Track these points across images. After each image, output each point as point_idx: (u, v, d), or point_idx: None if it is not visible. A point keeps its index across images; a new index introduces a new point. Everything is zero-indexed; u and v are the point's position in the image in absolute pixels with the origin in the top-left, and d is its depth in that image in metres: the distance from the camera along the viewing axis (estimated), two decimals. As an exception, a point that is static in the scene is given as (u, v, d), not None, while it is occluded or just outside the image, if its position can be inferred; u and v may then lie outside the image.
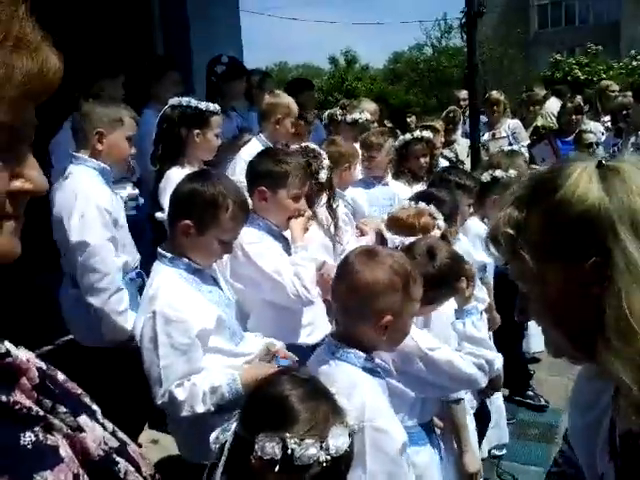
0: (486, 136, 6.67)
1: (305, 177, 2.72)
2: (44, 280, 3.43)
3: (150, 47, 6.02)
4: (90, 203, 2.81)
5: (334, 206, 3.32)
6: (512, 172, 3.82)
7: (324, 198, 3.22)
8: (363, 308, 1.81)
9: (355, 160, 3.97)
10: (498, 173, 3.81)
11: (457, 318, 2.33)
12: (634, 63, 24.92)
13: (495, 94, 6.98)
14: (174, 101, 3.38)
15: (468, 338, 2.26)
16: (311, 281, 2.55)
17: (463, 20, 5.99)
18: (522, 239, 1.05)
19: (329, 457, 1.31)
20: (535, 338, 4.45)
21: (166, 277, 2.15)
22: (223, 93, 4.69)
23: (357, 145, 4.38)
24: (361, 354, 1.83)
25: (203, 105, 3.37)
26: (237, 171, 3.86)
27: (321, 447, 1.30)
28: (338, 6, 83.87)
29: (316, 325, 2.69)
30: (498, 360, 3.03)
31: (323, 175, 3.14)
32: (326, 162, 3.24)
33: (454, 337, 2.33)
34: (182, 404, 2.02)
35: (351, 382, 1.77)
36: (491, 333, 3.63)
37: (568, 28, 37.60)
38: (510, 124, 6.75)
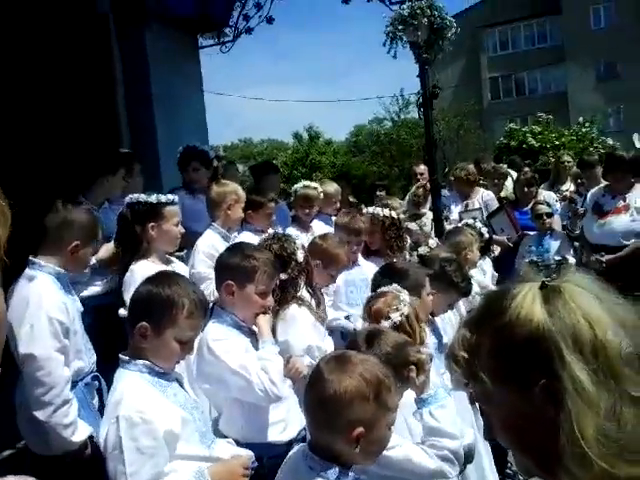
0: (459, 207, 6.78)
1: (274, 273, 2.72)
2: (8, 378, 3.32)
3: (116, 140, 6.07)
4: (40, 312, 2.75)
5: (313, 284, 3.36)
6: (432, 242, 3.92)
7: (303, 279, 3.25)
8: (333, 420, 1.74)
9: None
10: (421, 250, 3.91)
11: (418, 408, 2.25)
12: (583, 130, 26.17)
13: (457, 171, 7.08)
14: (128, 199, 3.44)
15: (427, 429, 2.20)
16: (279, 376, 2.51)
17: (419, 100, 6.29)
18: (477, 361, 1.06)
19: None
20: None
21: (129, 381, 2.10)
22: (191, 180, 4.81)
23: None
24: (336, 470, 1.75)
25: (153, 198, 3.39)
26: (195, 262, 3.91)
27: None
28: (301, 84, 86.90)
29: (289, 421, 2.62)
30: (468, 436, 3.04)
31: (300, 255, 3.18)
32: (299, 242, 3.29)
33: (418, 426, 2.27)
34: None
35: None
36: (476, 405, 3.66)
37: (519, 99, 39.47)
38: (484, 195, 6.76)
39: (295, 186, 5.27)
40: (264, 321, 2.66)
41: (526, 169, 7.58)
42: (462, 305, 4.07)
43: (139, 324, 2.11)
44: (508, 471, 4.30)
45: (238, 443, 2.38)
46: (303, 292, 3.27)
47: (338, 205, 5.60)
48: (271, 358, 2.53)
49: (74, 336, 2.91)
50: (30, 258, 2.90)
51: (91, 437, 2.80)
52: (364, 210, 4.80)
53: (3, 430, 3.27)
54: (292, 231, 4.21)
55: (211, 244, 3.95)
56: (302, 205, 5.09)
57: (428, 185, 7.02)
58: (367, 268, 4.40)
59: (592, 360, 0.96)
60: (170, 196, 3.49)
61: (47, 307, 2.78)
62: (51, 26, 5.62)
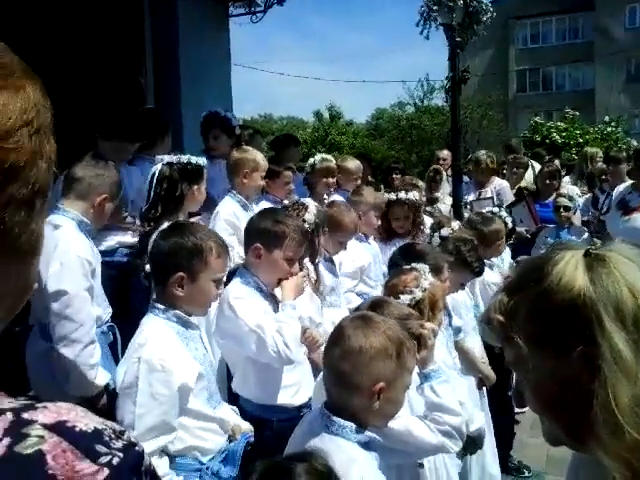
0: (472, 196, 6.75)
1: (302, 241, 2.73)
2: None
3: (141, 102, 6.08)
4: (70, 252, 2.79)
5: (316, 261, 3.37)
6: (455, 225, 3.92)
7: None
8: (355, 374, 1.77)
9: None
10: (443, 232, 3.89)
11: (420, 383, 2.26)
12: (608, 129, 25.85)
13: (480, 154, 7.02)
14: (170, 159, 3.38)
15: (428, 404, 2.21)
16: (294, 339, 2.53)
17: (448, 85, 6.24)
18: (513, 325, 1.06)
19: None
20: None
21: (156, 327, 2.15)
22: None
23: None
24: (355, 427, 1.78)
25: (201, 161, 3.42)
26: (216, 229, 3.90)
27: None
28: (323, 63, 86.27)
29: (302, 385, 2.65)
30: (478, 419, 3.04)
31: (306, 225, 3.17)
32: (311, 211, 3.29)
33: (420, 401, 2.28)
34: None
35: (348, 458, 1.72)
36: (483, 390, 3.68)
37: (545, 93, 38.98)
38: (496, 184, 6.75)
39: (312, 159, 5.12)
40: (289, 285, 2.68)
41: (556, 161, 7.49)
42: (477, 287, 4.09)
43: (175, 275, 2.15)
44: (511, 464, 4.33)
45: (250, 403, 2.40)
46: (307, 264, 3.25)
47: (358, 182, 5.55)
48: (288, 321, 2.54)
49: (96, 281, 2.95)
50: (58, 203, 2.94)
51: (106, 387, 2.83)
52: (394, 195, 4.67)
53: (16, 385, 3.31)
54: (308, 201, 4.23)
55: (232, 212, 3.94)
56: (322, 178, 5.00)
57: (442, 170, 6.99)
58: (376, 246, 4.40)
59: (633, 330, 0.95)
60: (204, 159, 3.53)
61: (76, 247, 2.83)
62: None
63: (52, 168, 0.71)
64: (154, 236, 3.14)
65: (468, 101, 25.54)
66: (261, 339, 2.47)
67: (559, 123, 26.01)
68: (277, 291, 2.74)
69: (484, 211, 4.86)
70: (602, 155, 7.84)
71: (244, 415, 2.48)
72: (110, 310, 3.13)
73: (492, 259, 4.38)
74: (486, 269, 4.11)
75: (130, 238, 3.72)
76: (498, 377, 3.88)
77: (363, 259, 4.15)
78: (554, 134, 24.19)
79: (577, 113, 26.83)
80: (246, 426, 2.35)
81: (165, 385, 2.03)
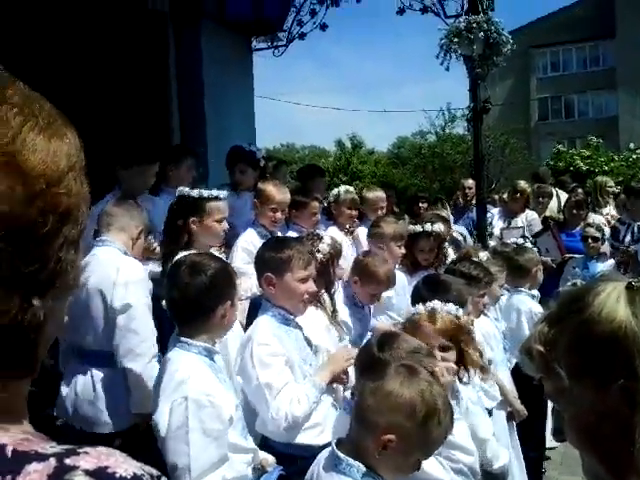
0: (501, 224, 6.69)
1: (310, 259, 2.74)
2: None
3: (166, 134, 6.19)
4: (134, 273, 2.98)
5: (332, 291, 3.35)
6: (483, 255, 3.88)
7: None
8: (374, 414, 1.73)
9: None
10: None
11: None
12: (634, 156, 25.57)
13: (522, 184, 6.99)
14: (178, 191, 3.51)
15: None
16: (298, 420, 2.48)
17: (469, 115, 6.25)
18: (553, 356, 1.05)
19: None
20: (547, 433, 4.35)
21: (190, 363, 2.15)
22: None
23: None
24: (363, 469, 1.72)
25: (195, 193, 3.43)
26: (234, 257, 3.95)
27: None
28: (345, 93, 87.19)
29: (326, 425, 2.57)
30: (503, 457, 2.97)
31: (318, 255, 3.16)
32: (326, 242, 3.29)
33: None
34: None
35: None
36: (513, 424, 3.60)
37: (568, 121, 38.83)
38: (528, 215, 6.68)
39: (337, 190, 5.16)
40: (331, 367, 2.67)
41: (579, 190, 7.42)
42: (523, 317, 4.14)
43: (223, 306, 2.23)
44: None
45: (275, 443, 2.38)
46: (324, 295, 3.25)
47: (380, 213, 5.55)
48: (303, 400, 2.49)
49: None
50: (98, 238, 3.11)
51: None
52: (420, 227, 4.59)
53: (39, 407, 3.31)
54: (333, 231, 4.23)
55: (250, 241, 3.97)
56: (345, 209, 5.03)
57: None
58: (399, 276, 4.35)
59: None
60: (215, 192, 3.50)
61: (137, 269, 3.04)
62: (112, 22, 5.78)
63: (89, 208, 0.75)
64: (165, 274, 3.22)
65: (490, 130, 25.53)
66: (265, 399, 2.45)
67: (582, 150, 25.84)
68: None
69: (508, 242, 4.83)
70: (612, 184, 7.73)
71: (268, 449, 2.46)
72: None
73: (533, 290, 4.34)
74: (530, 299, 4.13)
75: (157, 267, 3.77)
76: (529, 412, 3.81)
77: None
78: (578, 161, 24.02)
79: (601, 140, 26.64)
80: (272, 459, 2.35)
81: (217, 420, 2.05)
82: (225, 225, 3.52)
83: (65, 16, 5.39)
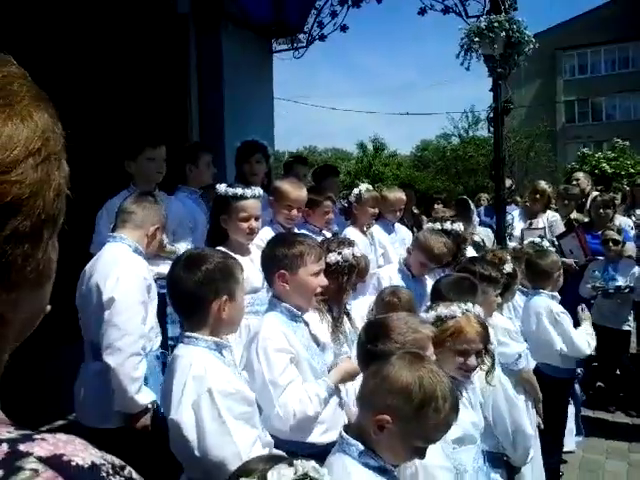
0: (522, 224, 6.63)
1: (320, 253, 2.73)
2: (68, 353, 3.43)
3: (185, 135, 6.24)
4: (128, 269, 2.94)
5: (343, 300, 3.26)
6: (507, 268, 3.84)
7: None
8: (372, 395, 1.80)
9: None
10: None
11: None
12: (661, 159, 25.10)
13: (542, 184, 6.95)
14: (216, 189, 3.57)
15: None
16: (306, 420, 2.47)
17: (490, 115, 6.18)
18: None
19: None
20: (565, 437, 4.29)
21: (203, 357, 2.14)
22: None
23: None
24: (361, 447, 1.78)
25: (223, 190, 3.48)
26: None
27: None
28: (367, 96, 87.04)
29: (331, 424, 2.54)
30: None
31: (332, 259, 3.13)
32: (349, 253, 3.21)
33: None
34: None
35: (344, 473, 1.74)
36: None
37: (595, 124, 38.25)
38: (549, 216, 6.64)
39: (358, 189, 5.10)
40: (341, 370, 2.66)
41: (610, 191, 7.36)
42: (544, 317, 4.13)
43: (219, 300, 2.16)
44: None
45: (277, 439, 2.37)
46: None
47: (398, 214, 5.52)
48: (314, 398, 2.47)
49: (152, 300, 3.06)
50: (111, 234, 3.11)
51: (155, 408, 2.87)
52: (439, 225, 4.59)
53: (53, 403, 3.36)
54: (351, 231, 4.21)
55: (265, 238, 3.94)
56: (368, 207, 5.01)
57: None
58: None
59: None
60: (241, 190, 3.48)
61: (135, 265, 2.99)
62: (134, 24, 5.84)
63: (63, 195, 0.69)
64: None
65: (515, 132, 25.25)
66: (271, 396, 2.43)
67: (608, 152, 25.42)
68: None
69: (525, 242, 4.77)
70: None
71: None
72: (160, 338, 3.19)
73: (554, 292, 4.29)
74: (549, 299, 4.19)
75: (163, 269, 3.79)
76: (548, 415, 3.77)
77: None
78: (603, 164, 23.63)
79: (627, 143, 26.18)
80: (281, 453, 2.33)
81: (245, 403, 2.07)
82: (254, 223, 3.50)
83: (87, 15, 5.46)
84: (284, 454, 1.58)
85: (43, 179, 0.65)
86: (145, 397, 2.85)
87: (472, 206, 7.07)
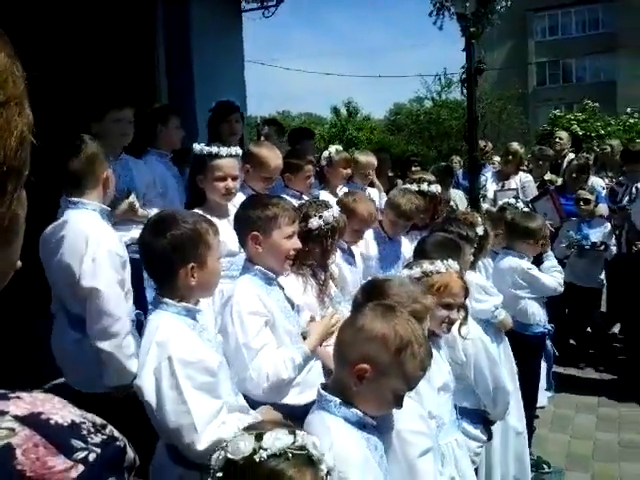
0: (495, 186, 6.66)
1: (295, 215, 2.71)
2: (40, 325, 3.36)
3: (153, 99, 6.07)
4: (101, 247, 2.82)
5: (328, 263, 3.25)
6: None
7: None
8: (347, 347, 1.81)
9: None
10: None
11: None
12: (631, 120, 25.36)
13: (515, 145, 6.98)
14: (196, 148, 3.42)
15: None
16: (281, 384, 2.46)
17: (463, 76, 6.13)
18: None
19: None
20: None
21: (169, 322, 2.11)
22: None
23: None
24: (339, 402, 1.79)
25: (198, 149, 3.37)
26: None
27: None
28: (341, 59, 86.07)
29: (307, 384, 2.52)
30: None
31: (314, 223, 3.08)
32: (329, 211, 3.17)
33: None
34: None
35: (323, 427, 1.76)
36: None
37: (565, 85, 38.45)
38: (522, 177, 6.69)
39: (327, 151, 5.04)
40: (317, 329, 2.67)
41: (585, 154, 7.43)
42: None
43: (186, 267, 2.11)
44: (530, 460, 4.22)
45: (252, 401, 2.37)
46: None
47: (369, 178, 5.50)
48: (289, 363, 2.46)
49: (126, 272, 2.97)
50: (70, 199, 2.92)
51: None
52: (415, 186, 4.52)
53: (41, 367, 3.30)
54: (325, 196, 4.15)
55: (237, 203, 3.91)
56: (339, 169, 4.95)
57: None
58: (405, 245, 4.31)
59: None
60: (216, 149, 3.36)
61: (106, 241, 2.86)
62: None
63: (27, 144, 0.63)
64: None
65: (487, 95, 25.24)
66: (244, 358, 2.42)
67: (578, 114, 25.61)
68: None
69: (500, 203, 4.78)
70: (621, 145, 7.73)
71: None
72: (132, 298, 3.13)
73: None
74: (519, 259, 4.25)
75: (136, 233, 3.71)
76: (522, 371, 3.85)
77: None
78: (574, 126, 23.80)
79: (597, 104, 26.39)
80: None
81: (206, 373, 2.03)
82: (230, 183, 3.38)
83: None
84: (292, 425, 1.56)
85: (2, 125, 0.59)
86: (135, 365, 2.84)
87: (455, 174, 7.07)
